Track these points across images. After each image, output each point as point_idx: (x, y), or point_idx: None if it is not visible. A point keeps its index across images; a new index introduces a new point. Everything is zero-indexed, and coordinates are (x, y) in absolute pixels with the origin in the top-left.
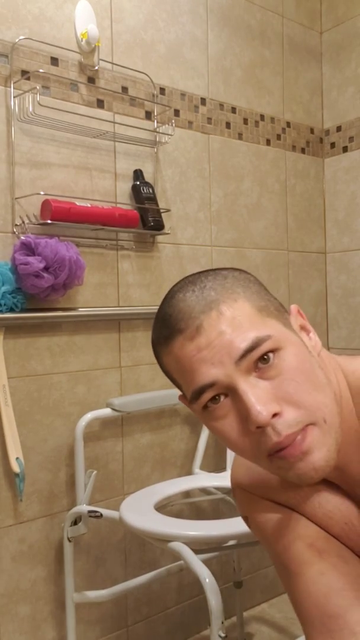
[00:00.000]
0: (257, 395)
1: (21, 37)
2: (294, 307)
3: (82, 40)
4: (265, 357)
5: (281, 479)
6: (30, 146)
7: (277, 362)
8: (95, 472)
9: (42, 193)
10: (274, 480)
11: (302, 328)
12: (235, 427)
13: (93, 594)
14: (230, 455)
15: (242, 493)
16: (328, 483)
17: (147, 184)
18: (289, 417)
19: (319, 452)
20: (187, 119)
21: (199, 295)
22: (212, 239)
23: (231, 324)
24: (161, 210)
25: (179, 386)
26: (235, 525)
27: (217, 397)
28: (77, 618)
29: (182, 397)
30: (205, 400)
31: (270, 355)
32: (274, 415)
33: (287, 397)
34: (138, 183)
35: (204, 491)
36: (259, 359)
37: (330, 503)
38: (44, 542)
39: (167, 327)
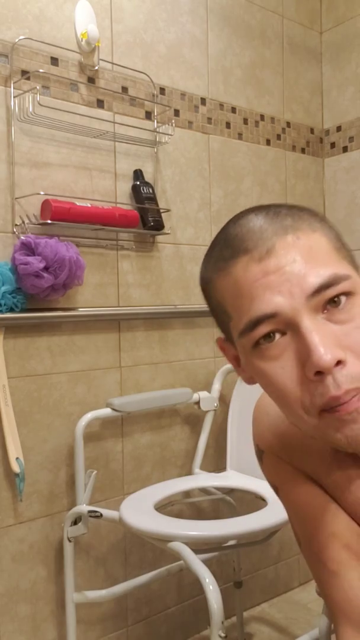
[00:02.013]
0: (322, 336)
1: (21, 37)
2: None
3: (82, 40)
4: (337, 299)
5: (318, 452)
6: (30, 146)
7: (349, 307)
8: (95, 472)
9: (42, 193)
10: (307, 455)
11: None
12: (289, 371)
13: (93, 594)
14: (230, 455)
15: (272, 458)
16: None
17: (147, 184)
18: (354, 370)
19: None
20: (187, 119)
21: (274, 218)
22: (212, 239)
23: (308, 253)
24: (161, 210)
25: (225, 321)
26: (235, 525)
27: (272, 335)
28: (77, 618)
29: (222, 340)
30: (260, 334)
31: (343, 298)
32: (338, 363)
33: (355, 346)
34: (138, 183)
35: (204, 491)
36: (331, 299)
37: None
38: (44, 542)
39: (230, 247)
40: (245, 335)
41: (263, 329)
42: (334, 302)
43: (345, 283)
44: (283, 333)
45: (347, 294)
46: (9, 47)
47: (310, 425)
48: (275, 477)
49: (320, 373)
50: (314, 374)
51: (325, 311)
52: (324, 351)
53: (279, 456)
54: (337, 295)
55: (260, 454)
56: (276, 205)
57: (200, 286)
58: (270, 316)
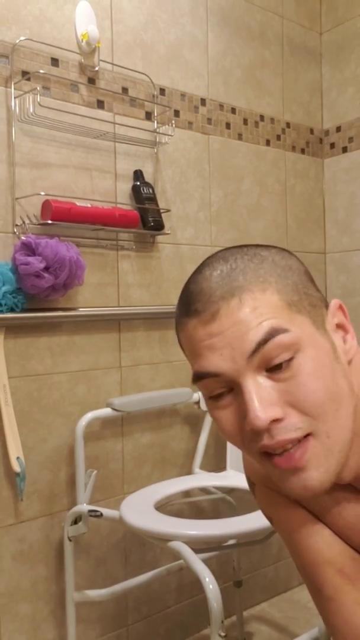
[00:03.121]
0: (260, 396)
1: (22, 38)
2: (335, 303)
3: (82, 41)
4: (280, 362)
5: None
6: (30, 147)
7: (291, 364)
8: (95, 471)
9: (42, 193)
10: None
11: (340, 327)
12: (233, 422)
13: (93, 593)
14: (230, 455)
15: (262, 490)
16: (350, 489)
17: (147, 184)
18: (289, 422)
19: (315, 472)
20: (187, 119)
21: (226, 277)
22: (212, 239)
23: (250, 314)
24: (161, 211)
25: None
26: (235, 525)
27: (221, 394)
28: (78, 617)
29: None
30: (205, 386)
31: (285, 355)
32: (274, 420)
33: (294, 402)
34: (138, 183)
35: (204, 491)
36: (272, 360)
37: (351, 514)
38: (44, 541)
39: (185, 305)
40: (195, 383)
41: (208, 382)
42: (278, 360)
43: (283, 336)
44: (230, 389)
45: (290, 349)
46: (9, 47)
47: (259, 465)
48: (267, 508)
49: (256, 431)
50: (251, 430)
51: (269, 368)
52: (259, 414)
53: (269, 487)
54: (279, 354)
55: (252, 486)
56: (237, 256)
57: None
58: (214, 375)
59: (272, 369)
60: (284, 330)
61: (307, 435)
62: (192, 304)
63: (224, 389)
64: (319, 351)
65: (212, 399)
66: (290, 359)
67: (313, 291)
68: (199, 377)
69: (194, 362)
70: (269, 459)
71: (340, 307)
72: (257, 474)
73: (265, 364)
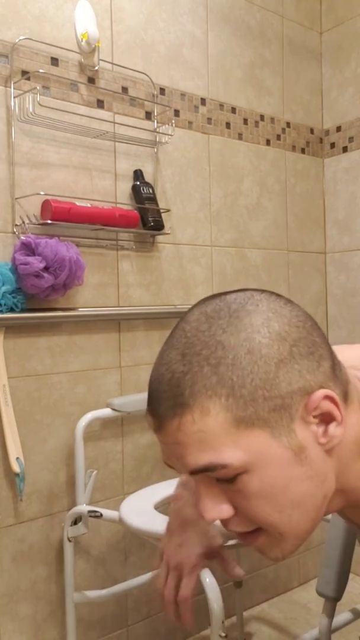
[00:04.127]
0: (209, 498)
1: (21, 38)
2: (318, 395)
3: (82, 41)
4: (222, 477)
5: None
6: (30, 146)
7: (236, 481)
8: (95, 471)
9: (42, 193)
10: None
11: (323, 417)
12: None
13: (93, 594)
14: None
15: None
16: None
17: (147, 184)
18: (238, 520)
19: (271, 553)
20: (187, 119)
21: (174, 387)
22: (212, 239)
23: (188, 440)
24: (161, 211)
25: None
26: None
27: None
28: (77, 618)
29: None
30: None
31: (229, 476)
32: (222, 520)
33: (241, 511)
34: (138, 183)
35: None
36: (215, 478)
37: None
38: (44, 542)
39: (148, 396)
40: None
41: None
42: (220, 480)
43: (221, 471)
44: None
45: (234, 472)
46: (9, 47)
47: None
48: None
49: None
50: None
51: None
52: (205, 514)
53: None
54: (220, 477)
55: None
56: (202, 338)
57: None
58: (171, 467)
59: (219, 480)
60: (223, 467)
61: (257, 529)
62: (148, 403)
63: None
64: (270, 469)
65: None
66: (236, 476)
67: (289, 379)
68: (166, 463)
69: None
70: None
71: (327, 398)
72: None
73: (210, 477)
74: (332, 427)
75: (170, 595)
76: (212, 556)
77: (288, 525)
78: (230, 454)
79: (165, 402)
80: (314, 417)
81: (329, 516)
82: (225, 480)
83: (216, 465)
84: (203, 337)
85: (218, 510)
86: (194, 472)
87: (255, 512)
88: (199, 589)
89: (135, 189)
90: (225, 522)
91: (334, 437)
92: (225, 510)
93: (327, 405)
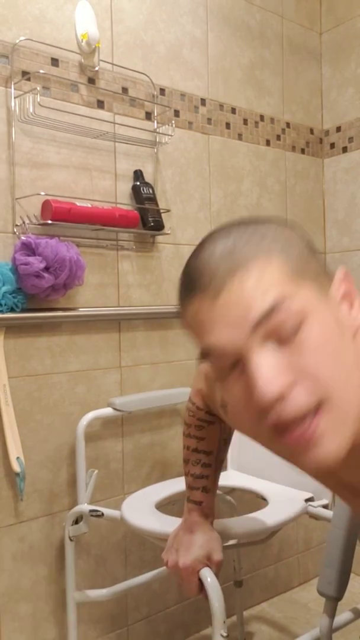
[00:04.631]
0: (268, 367)
1: (22, 38)
2: (340, 272)
3: (82, 41)
4: (286, 330)
5: None
6: (30, 147)
7: (298, 333)
8: (96, 471)
9: (42, 193)
10: None
11: (346, 296)
12: (240, 399)
13: (94, 593)
14: (231, 454)
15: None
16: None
17: (147, 185)
18: (298, 394)
19: (329, 444)
20: (187, 119)
21: (229, 252)
22: None
23: (254, 286)
24: (161, 211)
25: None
26: (236, 525)
27: (227, 368)
28: (78, 617)
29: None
30: (212, 362)
31: (292, 323)
32: (283, 392)
33: (302, 372)
34: (138, 183)
35: None
36: (279, 329)
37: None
38: (44, 541)
39: (190, 282)
40: (201, 360)
41: (214, 359)
42: (284, 327)
43: (289, 305)
44: (236, 364)
45: (296, 317)
46: (9, 48)
47: (266, 447)
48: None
49: (264, 406)
50: (258, 405)
51: (276, 338)
52: (265, 390)
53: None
54: (285, 322)
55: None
56: (240, 229)
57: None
58: (219, 349)
59: (279, 339)
60: (289, 299)
61: (317, 409)
62: (196, 281)
63: (231, 366)
64: (325, 319)
65: (220, 378)
66: (297, 328)
67: (316, 261)
68: (205, 354)
69: (199, 339)
70: (280, 438)
71: (346, 277)
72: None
73: (272, 334)
74: (356, 307)
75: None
76: (206, 565)
77: (346, 391)
78: (293, 295)
79: (224, 264)
80: (340, 296)
81: (330, 515)
82: (284, 337)
83: (283, 298)
84: (239, 229)
85: (279, 381)
86: (260, 320)
87: (320, 366)
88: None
89: (135, 189)
90: (284, 402)
91: (357, 319)
92: (285, 380)
93: (347, 287)
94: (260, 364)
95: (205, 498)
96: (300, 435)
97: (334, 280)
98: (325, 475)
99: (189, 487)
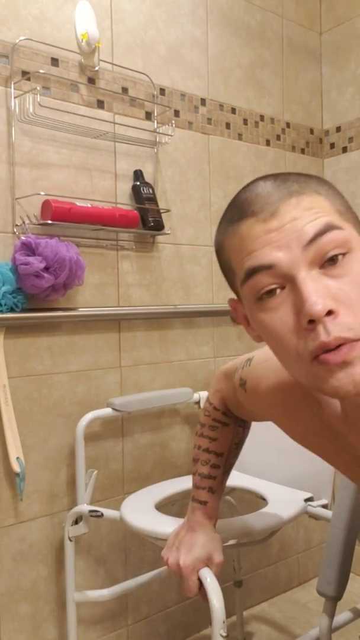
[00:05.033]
0: (315, 287)
1: (21, 38)
2: None
3: (82, 41)
4: (334, 254)
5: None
6: (30, 146)
7: (345, 263)
8: (96, 471)
9: (42, 193)
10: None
11: None
12: (287, 321)
13: (93, 594)
14: None
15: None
16: (330, 434)
17: (147, 185)
18: (344, 320)
19: None
20: (187, 119)
21: (281, 184)
22: (212, 239)
23: (307, 211)
24: (161, 211)
25: (233, 280)
26: (236, 525)
27: (273, 291)
28: (78, 617)
29: (234, 301)
30: (259, 284)
31: (339, 253)
32: (329, 313)
33: (347, 300)
34: (138, 183)
35: None
36: (327, 254)
37: (321, 450)
38: (44, 541)
39: (240, 210)
40: (245, 284)
41: (260, 278)
42: (332, 259)
43: (338, 232)
44: (282, 287)
45: (343, 246)
46: (9, 47)
47: (303, 372)
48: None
49: (312, 322)
50: (307, 322)
51: (323, 265)
52: (315, 300)
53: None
54: (334, 248)
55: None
56: (285, 173)
57: (215, 250)
58: (268, 267)
59: (326, 265)
60: (339, 227)
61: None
62: (249, 206)
63: (276, 285)
64: None
65: (262, 299)
66: (343, 256)
67: (353, 212)
68: (252, 272)
69: (246, 260)
70: (320, 359)
71: None
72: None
73: (320, 258)
74: None
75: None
76: (206, 565)
77: None
78: (339, 227)
79: (277, 194)
80: None
81: (330, 515)
82: (331, 263)
83: (333, 225)
84: (284, 173)
85: (327, 301)
86: (311, 240)
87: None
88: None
89: (135, 189)
90: (330, 324)
91: None
92: (332, 302)
93: None
94: (310, 282)
95: (210, 498)
96: (338, 354)
97: None
98: (339, 450)
99: (196, 486)
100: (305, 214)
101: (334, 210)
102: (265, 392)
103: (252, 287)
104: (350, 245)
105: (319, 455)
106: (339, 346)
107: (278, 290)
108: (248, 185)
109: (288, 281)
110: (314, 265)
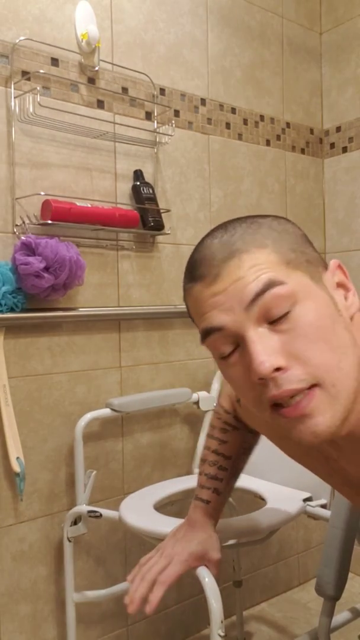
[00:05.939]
0: (263, 345)
1: (22, 38)
2: (334, 263)
3: (82, 41)
4: (278, 307)
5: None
6: (30, 146)
7: (291, 317)
8: (95, 472)
9: (42, 193)
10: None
11: (340, 285)
12: (242, 376)
13: (93, 594)
14: None
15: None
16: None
17: (147, 184)
18: (294, 373)
19: (322, 417)
20: (187, 119)
21: (225, 243)
22: None
23: (250, 269)
24: (161, 211)
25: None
26: (235, 525)
27: (230, 352)
28: (77, 617)
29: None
30: (213, 344)
31: (284, 306)
32: (278, 369)
33: (296, 353)
34: (138, 183)
35: None
36: (271, 311)
37: (313, 469)
38: (44, 541)
39: (191, 272)
40: (204, 342)
41: (214, 339)
42: (278, 314)
43: (281, 287)
44: (237, 345)
45: (288, 301)
46: (9, 47)
47: (268, 418)
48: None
49: (262, 379)
50: (257, 379)
51: (270, 321)
52: (262, 360)
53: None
54: (277, 306)
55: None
56: (236, 224)
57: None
58: (218, 329)
59: (273, 322)
60: (281, 283)
61: (312, 387)
62: (197, 270)
63: (231, 347)
64: (318, 303)
65: (223, 359)
66: (289, 311)
67: (310, 251)
68: (205, 334)
69: (200, 322)
70: (278, 411)
71: (340, 267)
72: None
73: (265, 315)
74: (350, 295)
75: (152, 573)
76: (202, 563)
77: (339, 371)
78: (285, 278)
79: (221, 254)
80: (335, 284)
81: (329, 515)
82: (277, 319)
83: (275, 281)
84: (235, 223)
85: (274, 358)
86: (253, 300)
87: (311, 350)
88: (199, 589)
89: (135, 189)
90: (280, 379)
91: (353, 304)
92: (280, 358)
93: (341, 276)
94: (256, 341)
95: (213, 499)
96: (295, 409)
97: (328, 270)
98: (331, 471)
99: (200, 485)
100: (248, 273)
101: (282, 261)
102: None
103: (210, 346)
104: (296, 297)
105: (313, 473)
106: (294, 396)
107: (233, 351)
108: (200, 242)
109: (240, 339)
110: (261, 322)
